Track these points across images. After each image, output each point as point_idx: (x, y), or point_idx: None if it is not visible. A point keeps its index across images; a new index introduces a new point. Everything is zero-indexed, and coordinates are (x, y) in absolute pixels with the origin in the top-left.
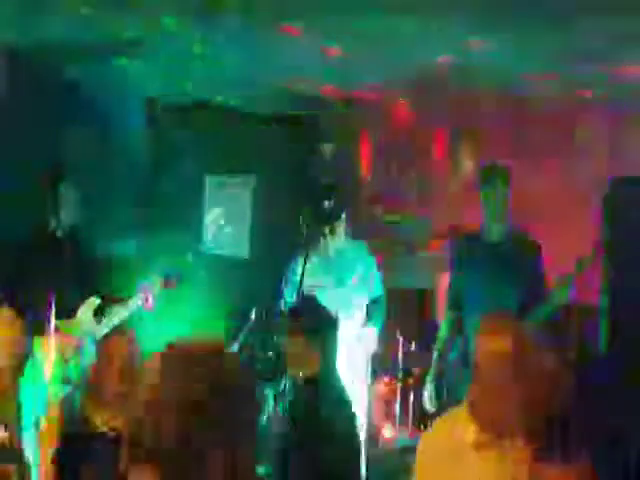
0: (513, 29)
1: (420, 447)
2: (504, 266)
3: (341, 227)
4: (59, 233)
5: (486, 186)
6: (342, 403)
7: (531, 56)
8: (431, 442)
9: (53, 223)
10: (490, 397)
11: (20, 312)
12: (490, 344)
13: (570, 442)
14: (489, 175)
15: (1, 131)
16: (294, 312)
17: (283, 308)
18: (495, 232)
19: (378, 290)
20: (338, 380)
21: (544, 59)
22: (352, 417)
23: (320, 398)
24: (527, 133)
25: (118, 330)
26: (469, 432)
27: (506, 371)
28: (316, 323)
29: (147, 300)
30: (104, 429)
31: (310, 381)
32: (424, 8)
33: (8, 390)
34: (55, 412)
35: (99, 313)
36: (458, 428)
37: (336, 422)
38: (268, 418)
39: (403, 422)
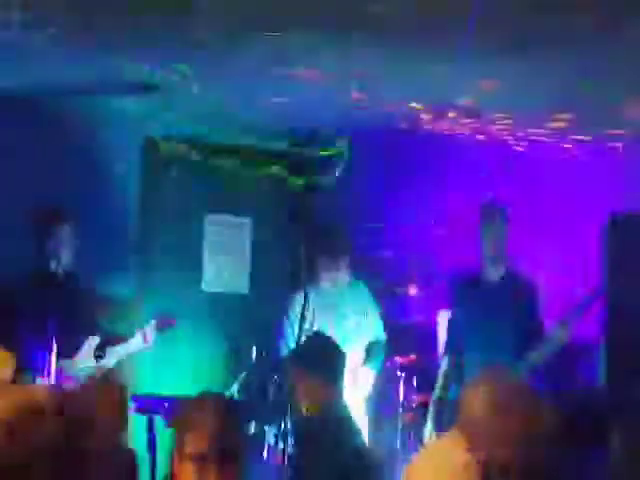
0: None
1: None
2: (502, 307)
3: (343, 266)
4: (58, 271)
5: (485, 225)
6: (354, 435)
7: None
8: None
9: (52, 263)
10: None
11: (15, 352)
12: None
13: None
14: (488, 213)
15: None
16: (306, 348)
17: (290, 346)
18: (493, 273)
19: (378, 333)
20: (349, 413)
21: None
22: (364, 448)
23: (333, 432)
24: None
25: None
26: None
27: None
28: (329, 359)
29: (146, 340)
30: None
31: (323, 416)
32: None
33: None
34: None
35: (98, 352)
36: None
37: (350, 453)
38: (268, 457)
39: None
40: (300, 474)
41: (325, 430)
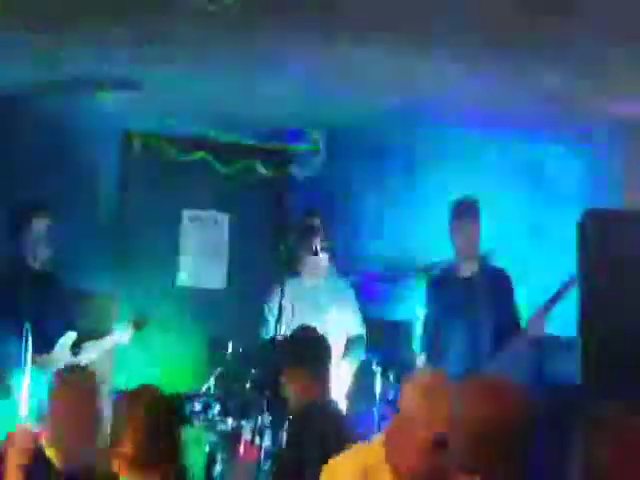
0: None
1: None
2: (477, 302)
3: (323, 261)
4: (36, 267)
5: (456, 222)
6: (344, 430)
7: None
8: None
9: (30, 260)
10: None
11: None
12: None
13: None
14: (459, 210)
15: None
16: (292, 342)
17: (273, 339)
18: (466, 268)
19: (358, 327)
20: (337, 408)
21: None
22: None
23: (320, 428)
24: None
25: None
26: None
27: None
28: (315, 352)
29: (123, 336)
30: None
31: (308, 411)
32: None
33: None
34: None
35: (76, 348)
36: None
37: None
38: (244, 453)
39: None
40: (287, 471)
41: (315, 426)
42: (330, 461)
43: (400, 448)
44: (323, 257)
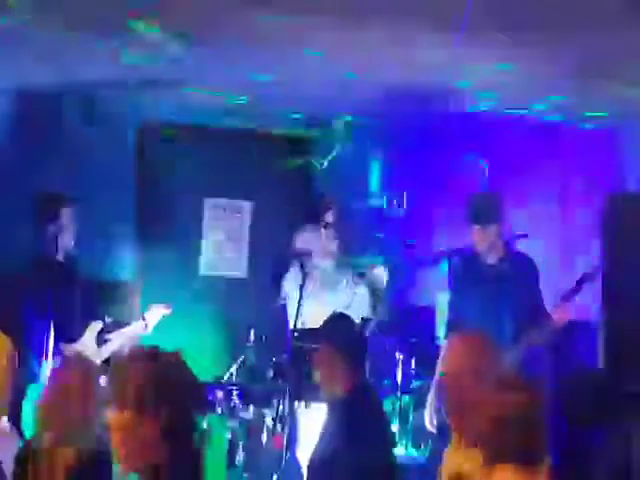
0: None
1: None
2: (502, 288)
3: (335, 245)
4: (59, 258)
5: (475, 225)
6: (380, 418)
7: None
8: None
9: (53, 248)
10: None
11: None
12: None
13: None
14: (477, 210)
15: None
16: (325, 330)
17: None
18: (491, 256)
19: (367, 311)
20: (375, 395)
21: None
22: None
23: (357, 416)
24: None
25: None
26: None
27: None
28: (349, 339)
29: (146, 325)
30: None
31: (347, 398)
32: None
33: None
34: None
35: (100, 337)
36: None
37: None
38: (266, 441)
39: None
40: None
41: (356, 413)
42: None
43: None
44: (331, 242)
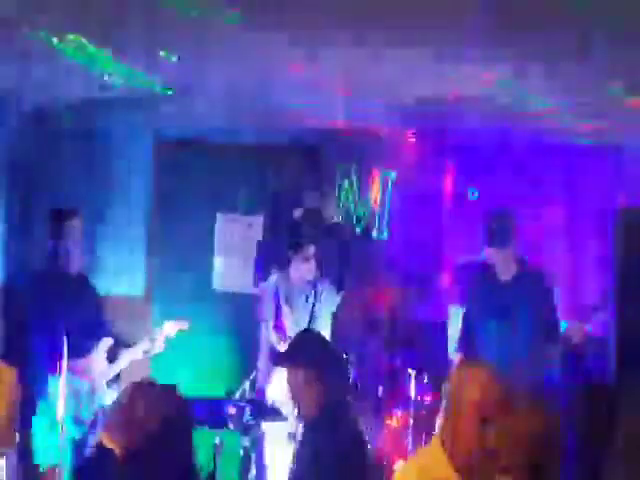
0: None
1: None
2: (517, 303)
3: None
4: (70, 271)
5: (490, 247)
6: (356, 440)
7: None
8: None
9: (65, 264)
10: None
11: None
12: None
13: None
14: (492, 231)
15: (14, 172)
16: (290, 349)
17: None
18: (505, 269)
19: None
20: (348, 416)
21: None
22: (365, 451)
23: (331, 438)
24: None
25: None
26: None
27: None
28: (317, 356)
29: (158, 342)
30: None
31: (318, 419)
32: None
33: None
34: None
35: (111, 354)
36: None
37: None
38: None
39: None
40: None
41: (326, 434)
42: (396, 469)
43: (454, 433)
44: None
